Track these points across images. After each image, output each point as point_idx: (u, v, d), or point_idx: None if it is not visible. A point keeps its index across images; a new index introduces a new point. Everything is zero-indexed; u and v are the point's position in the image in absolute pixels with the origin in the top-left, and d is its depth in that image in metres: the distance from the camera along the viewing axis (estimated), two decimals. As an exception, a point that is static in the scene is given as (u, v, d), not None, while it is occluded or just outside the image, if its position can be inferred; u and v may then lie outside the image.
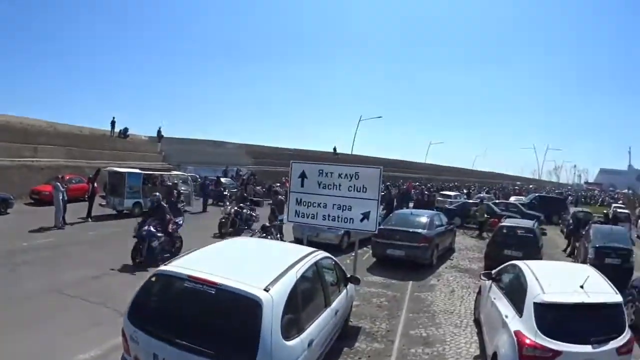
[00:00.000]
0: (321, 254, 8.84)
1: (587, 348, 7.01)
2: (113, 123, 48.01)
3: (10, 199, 26.02)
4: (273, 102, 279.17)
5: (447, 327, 11.29)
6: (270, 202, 24.96)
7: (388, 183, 50.27)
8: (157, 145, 52.65)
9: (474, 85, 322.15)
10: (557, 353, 6.90)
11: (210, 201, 34.78)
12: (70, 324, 10.18)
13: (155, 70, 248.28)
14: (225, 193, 36.80)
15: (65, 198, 22.73)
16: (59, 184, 22.67)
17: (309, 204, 13.28)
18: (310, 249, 8.89)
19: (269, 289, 6.04)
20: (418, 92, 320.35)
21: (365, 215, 12.66)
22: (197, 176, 41.27)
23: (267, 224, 19.14)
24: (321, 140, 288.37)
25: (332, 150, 75.99)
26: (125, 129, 49.25)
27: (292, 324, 6.38)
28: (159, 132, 53.20)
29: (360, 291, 13.52)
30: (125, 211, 27.28)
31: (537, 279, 8.34)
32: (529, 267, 9.16)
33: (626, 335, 7.46)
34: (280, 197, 22.99)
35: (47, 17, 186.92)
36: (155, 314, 6.50)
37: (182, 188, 32.62)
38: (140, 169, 30.74)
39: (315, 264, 8.19)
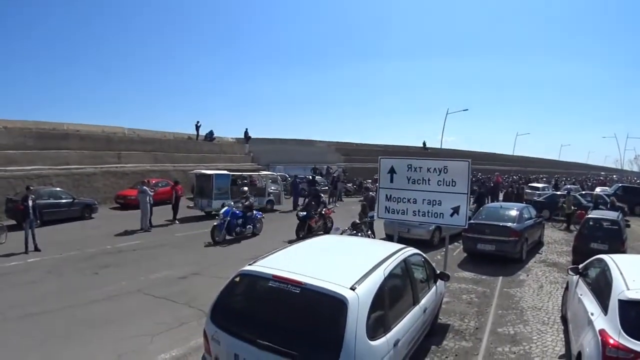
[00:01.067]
0: (410, 250, 8.75)
1: None
2: (198, 127, 48.94)
3: (95, 204, 27.09)
4: (360, 98, 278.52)
5: (534, 325, 11.13)
6: (361, 198, 25.08)
7: (480, 176, 49.94)
8: (245, 146, 53.16)
9: (556, 75, 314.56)
10: (638, 355, 6.41)
11: (301, 200, 34.40)
12: (154, 324, 10.55)
13: (238, 73, 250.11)
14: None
15: (152, 202, 23.48)
16: (145, 187, 23.47)
17: (399, 200, 13.24)
18: (399, 246, 8.82)
19: (355, 288, 5.97)
20: (503, 83, 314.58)
21: (455, 210, 12.56)
22: (287, 175, 41.72)
23: (357, 221, 19.02)
24: (410, 136, 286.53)
25: (421, 145, 75.51)
26: (211, 132, 50.01)
27: (378, 323, 6.25)
28: (246, 133, 53.59)
29: (450, 287, 13.54)
30: (213, 212, 27.35)
31: (622, 274, 7.98)
32: (615, 262, 8.83)
33: None
34: (371, 193, 23.17)
35: (127, 30, 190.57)
36: (237, 314, 6.58)
37: (272, 188, 33.15)
38: (228, 170, 31.17)
39: (404, 260, 8.05)
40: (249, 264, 6.90)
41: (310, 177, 42.56)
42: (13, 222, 21.98)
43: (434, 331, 10.03)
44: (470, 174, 12.79)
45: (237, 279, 6.74)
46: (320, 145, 63.14)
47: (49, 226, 22.52)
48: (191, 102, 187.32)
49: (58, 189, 26.25)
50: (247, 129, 53.59)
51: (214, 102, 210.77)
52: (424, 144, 75.54)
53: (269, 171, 39.64)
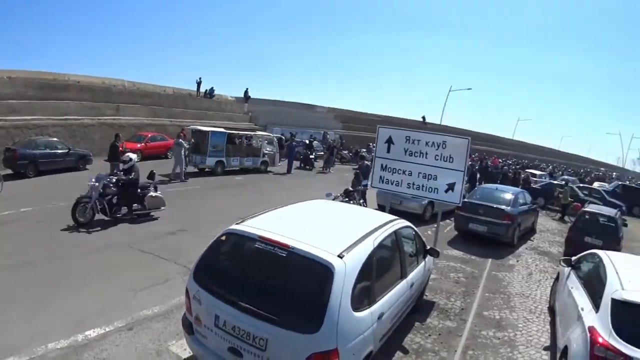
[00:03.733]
0: (402, 222, 8.59)
1: None
2: (199, 83, 49.10)
3: (89, 155, 26.99)
4: (361, 67, 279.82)
5: (520, 312, 11.06)
6: (356, 167, 24.93)
7: (476, 156, 49.94)
8: (244, 105, 53.00)
9: (564, 66, 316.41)
10: (628, 358, 6.27)
11: (296, 164, 35.01)
12: (139, 279, 10.52)
13: (242, 32, 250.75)
14: (311, 157, 37.22)
15: (187, 153, 25.06)
16: (182, 140, 24.93)
17: (394, 171, 12.87)
18: (391, 217, 8.67)
19: (343, 256, 5.85)
20: (509, 68, 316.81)
21: (450, 187, 12.23)
22: (283, 137, 41.17)
23: (350, 188, 19.08)
24: (411, 110, 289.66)
25: (420, 119, 74.73)
26: (211, 89, 50.02)
27: (364, 294, 6.21)
28: (246, 92, 53.51)
29: (439, 265, 13.60)
30: (207, 169, 27.87)
31: (617, 272, 7.84)
32: (610, 259, 8.70)
33: None
34: (366, 162, 22.83)
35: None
36: (221, 274, 6.45)
37: (267, 149, 33.04)
38: (225, 128, 31.11)
39: (395, 232, 7.92)
40: (237, 223, 6.76)
41: (307, 141, 42.51)
42: (10, 171, 22.04)
43: (419, 307, 10.07)
44: (469, 153, 12.51)
45: (223, 238, 6.62)
46: (320, 111, 63.47)
47: (45, 176, 22.79)
48: (196, 59, 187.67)
49: (55, 139, 26.16)
50: (247, 89, 53.75)
51: (218, 60, 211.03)
52: (424, 118, 74.78)
53: (265, 132, 39.35)
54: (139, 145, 29.69)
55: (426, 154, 12.41)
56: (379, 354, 7.38)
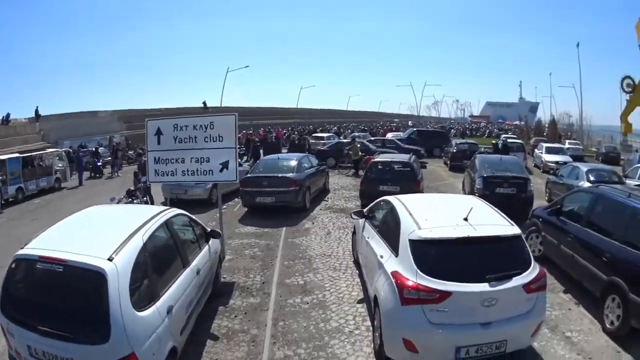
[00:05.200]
0: (172, 211, 8.64)
1: (484, 287, 6.52)
2: (-7, 111, 46.33)
3: None
4: (137, 62, 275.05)
5: (325, 272, 11.53)
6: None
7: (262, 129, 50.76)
8: (36, 125, 51.57)
9: (344, 25, 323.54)
10: (446, 294, 6.46)
11: (86, 174, 34.43)
12: None
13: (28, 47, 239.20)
14: (99, 164, 36.71)
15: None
16: None
17: (167, 161, 12.79)
18: (160, 208, 8.83)
19: (113, 258, 5.90)
20: (285, 39, 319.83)
21: (224, 165, 12.40)
22: (70, 149, 40.00)
23: (132, 188, 19.00)
24: (191, 97, 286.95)
25: (202, 105, 75.37)
26: (7, 115, 48.68)
27: (144, 292, 6.32)
28: (36, 111, 52.53)
29: (231, 244, 14.03)
30: (10, 199, 26.53)
31: (410, 213, 7.93)
32: (401, 202, 8.76)
33: (533, 270, 6.99)
34: (144, 158, 23.03)
35: None
36: (20, 303, 6.26)
37: (58, 165, 31.99)
38: (19, 152, 30.08)
39: (166, 223, 7.96)
40: (21, 247, 6.53)
41: (93, 148, 41.82)
42: None
43: (218, 291, 10.24)
44: (237, 128, 12.92)
45: (13, 266, 6.40)
46: (103, 115, 62.59)
47: None
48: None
49: None
50: (37, 107, 52.91)
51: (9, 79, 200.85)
52: (205, 103, 75.64)
53: (56, 148, 38.19)
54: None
55: (195, 138, 12.53)
56: (190, 345, 7.71)
